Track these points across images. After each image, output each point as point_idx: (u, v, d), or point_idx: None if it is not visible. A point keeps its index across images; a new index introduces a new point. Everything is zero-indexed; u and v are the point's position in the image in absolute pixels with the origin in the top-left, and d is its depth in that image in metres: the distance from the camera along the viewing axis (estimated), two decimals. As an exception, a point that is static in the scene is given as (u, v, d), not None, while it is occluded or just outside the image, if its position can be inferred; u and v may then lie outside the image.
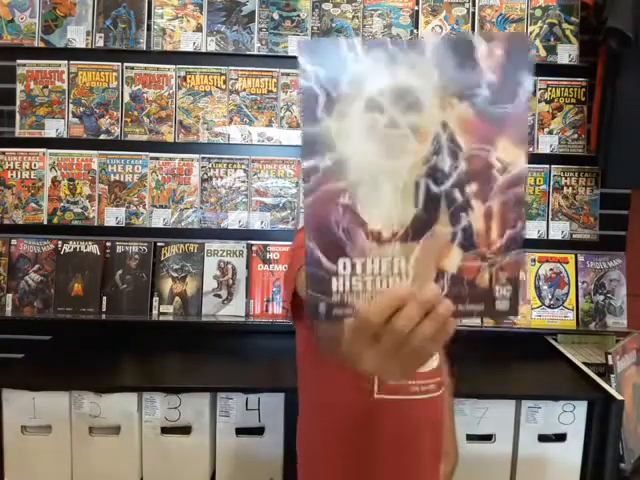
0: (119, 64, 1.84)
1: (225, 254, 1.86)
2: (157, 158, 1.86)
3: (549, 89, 1.88)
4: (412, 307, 0.43)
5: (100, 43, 1.82)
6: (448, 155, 0.46)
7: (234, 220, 1.86)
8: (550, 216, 1.89)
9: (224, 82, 1.85)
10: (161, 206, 1.86)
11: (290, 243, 1.72)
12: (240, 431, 1.46)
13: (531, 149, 1.88)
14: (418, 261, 0.46)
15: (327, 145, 0.45)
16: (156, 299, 1.82)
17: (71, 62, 1.84)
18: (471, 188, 0.47)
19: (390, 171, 0.46)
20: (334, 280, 0.46)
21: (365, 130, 0.45)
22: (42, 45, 1.82)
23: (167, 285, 1.84)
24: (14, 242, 1.84)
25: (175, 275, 1.84)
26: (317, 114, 0.45)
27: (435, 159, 0.46)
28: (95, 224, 1.84)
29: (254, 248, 1.86)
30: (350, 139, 0.45)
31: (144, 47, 1.82)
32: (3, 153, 1.84)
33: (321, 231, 0.46)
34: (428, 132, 0.46)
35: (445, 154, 0.46)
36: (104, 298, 1.81)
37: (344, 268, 0.46)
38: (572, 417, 1.45)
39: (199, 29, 1.83)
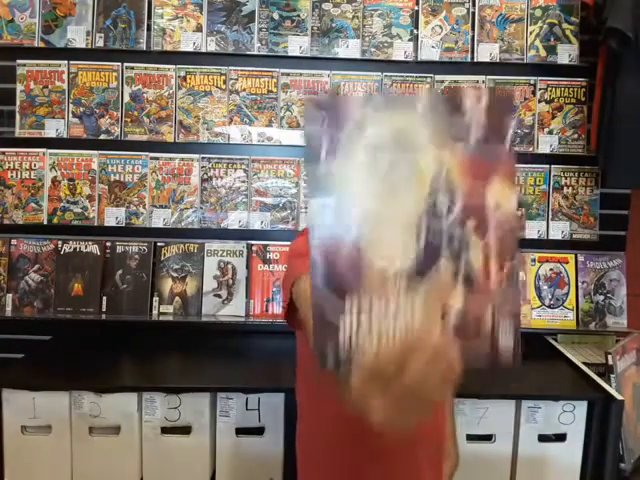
0: (119, 64, 1.84)
1: (225, 254, 1.86)
2: (157, 158, 1.86)
3: (549, 89, 1.87)
4: (425, 354, 0.42)
5: (100, 43, 1.82)
6: (447, 193, 0.48)
7: (234, 220, 1.86)
8: (550, 216, 1.89)
9: (224, 82, 1.85)
10: (161, 206, 1.86)
11: (290, 243, 1.72)
12: (240, 431, 1.46)
13: (531, 149, 1.88)
14: (424, 297, 0.47)
15: (331, 186, 0.47)
16: (156, 299, 1.82)
17: (71, 62, 1.84)
18: (470, 224, 0.48)
19: (392, 210, 0.48)
20: (341, 319, 0.47)
21: (367, 171, 0.48)
22: (42, 45, 1.82)
23: (167, 285, 1.84)
24: (14, 242, 1.84)
25: (175, 275, 1.84)
26: (321, 157, 0.47)
27: (435, 197, 0.48)
28: (95, 224, 1.84)
29: (254, 248, 1.86)
30: (353, 180, 0.48)
31: (144, 47, 1.82)
32: (3, 153, 1.84)
33: (328, 269, 0.48)
34: (427, 171, 0.48)
35: (444, 192, 0.48)
36: (104, 298, 1.81)
37: (351, 306, 0.47)
38: (572, 417, 1.45)
39: (199, 29, 1.83)
